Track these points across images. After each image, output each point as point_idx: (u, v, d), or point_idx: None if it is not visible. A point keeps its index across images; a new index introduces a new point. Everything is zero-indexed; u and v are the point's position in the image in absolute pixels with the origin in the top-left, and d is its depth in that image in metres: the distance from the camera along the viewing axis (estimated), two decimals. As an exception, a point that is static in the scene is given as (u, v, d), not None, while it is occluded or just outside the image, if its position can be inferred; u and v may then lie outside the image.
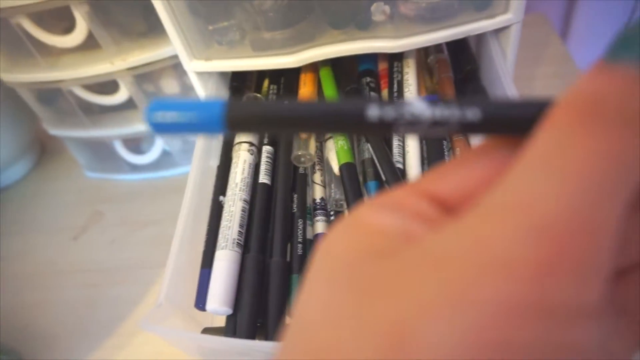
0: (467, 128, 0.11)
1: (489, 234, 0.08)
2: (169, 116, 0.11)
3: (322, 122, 0.11)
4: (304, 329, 0.10)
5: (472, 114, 0.10)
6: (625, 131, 0.08)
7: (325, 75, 0.35)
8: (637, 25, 0.09)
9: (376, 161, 0.30)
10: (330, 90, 0.34)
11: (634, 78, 0.08)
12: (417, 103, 0.10)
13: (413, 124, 0.11)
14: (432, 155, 0.30)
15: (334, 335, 0.09)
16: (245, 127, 0.11)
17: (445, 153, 0.30)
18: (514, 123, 0.10)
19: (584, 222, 0.07)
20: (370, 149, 0.31)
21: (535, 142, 0.08)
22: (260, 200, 0.31)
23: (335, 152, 0.32)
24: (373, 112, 0.11)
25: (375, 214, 0.11)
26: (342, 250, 0.10)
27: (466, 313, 0.07)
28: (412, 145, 0.31)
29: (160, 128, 0.11)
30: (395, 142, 0.31)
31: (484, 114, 0.10)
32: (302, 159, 0.33)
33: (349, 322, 0.09)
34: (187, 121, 0.11)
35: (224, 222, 0.29)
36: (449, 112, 0.10)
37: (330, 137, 0.33)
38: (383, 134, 0.15)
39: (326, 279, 0.10)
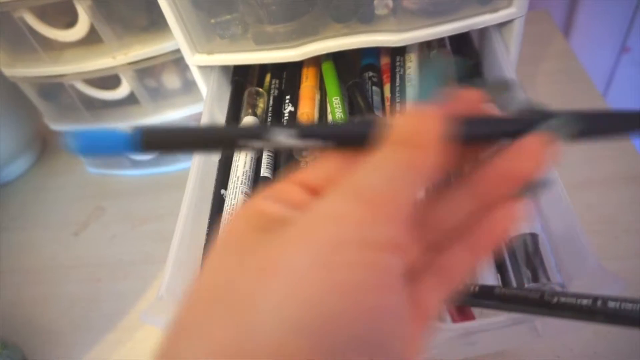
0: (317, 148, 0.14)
1: (334, 204, 0.12)
2: (91, 140, 0.14)
3: (212, 145, 0.15)
4: (199, 287, 0.13)
5: (313, 142, 0.14)
6: (414, 151, 0.13)
7: (328, 69, 0.35)
8: (428, 74, 0.13)
9: None
10: (332, 85, 0.34)
11: (423, 117, 0.13)
12: (278, 133, 0.14)
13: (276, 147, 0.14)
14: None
15: (222, 287, 0.12)
16: (156, 148, 0.14)
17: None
18: (350, 141, 0.14)
19: (386, 196, 0.12)
20: None
21: (371, 154, 0.13)
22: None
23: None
24: (243, 142, 0.14)
25: (262, 202, 0.14)
26: (235, 227, 0.14)
27: (317, 244, 0.11)
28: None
29: (85, 150, 0.14)
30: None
31: (323, 140, 0.14)
32: (304, 152, 0.33)
33: (234, 274, 0.12)
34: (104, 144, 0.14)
35: (225, 216, 0.29)
36: (295, 142, 0.14)
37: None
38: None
39: (220, 248, 0.13)
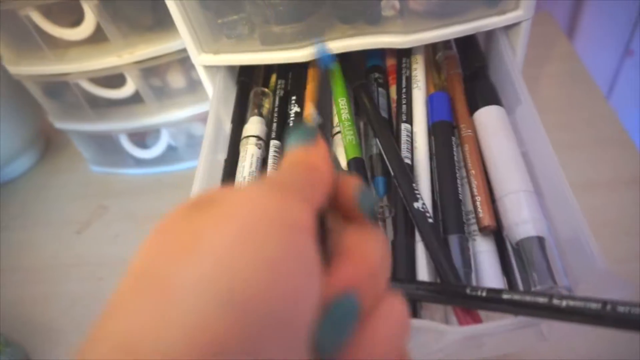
0: None
1: (254, 189, 0.13)
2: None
3: None
4: (129, 271, 0.12)
5: None
6: (312, 168, 0.15)
7: (334, 70, 0.35)
8: (297, 127, 0.17)
9: (385, 156, 0.30)
10: (338, 86, 0.34)
11: (312, 147, 0.16)
12: None
13: None
14: (440, 151, 0.30)
15: (144, 268, 0.12)
16: None
17: (454, 149, 0.30)
18: None
19: (295, 188, 0.14)
20: (379, 144, 0.30)
21: (280, 166, 0.15)
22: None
23: (344, 147, 0.32)
24: None
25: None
26: (170, 214, 0.14)
27: (239, 222, 0.12)
28: (421, 141, 0.31)
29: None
30: (404, 138, 0.31)
31: None
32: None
33: (155, 254, 0.12)
34: None
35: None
36: None
37: (338, 132, 0.33)
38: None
39: (153, 232, 0.13)
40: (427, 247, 0.26)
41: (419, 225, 0.26)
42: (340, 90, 0.34)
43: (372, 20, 0.32)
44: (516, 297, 0.21)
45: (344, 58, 0.35)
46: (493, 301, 0.21)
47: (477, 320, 0.24)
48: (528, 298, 0.20)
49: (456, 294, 0.23)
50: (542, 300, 0.20)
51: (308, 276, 0.12)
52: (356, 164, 0.31)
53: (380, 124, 0.31)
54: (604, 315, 0.18)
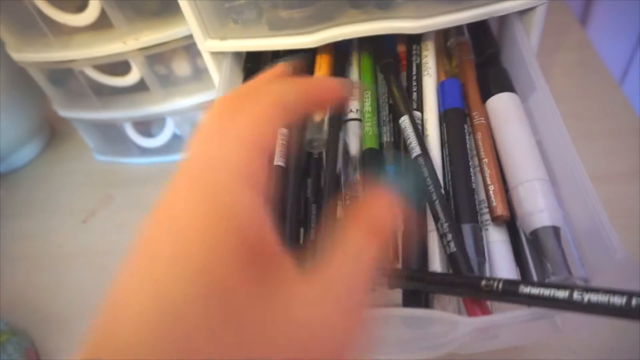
0: None
1: (322, 307, 0.14)
2: None
3: None
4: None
5: None
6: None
7: (366, 63, 0.35)
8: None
9: (414, 134, 0.28)
10: (368, 76, 0.34)
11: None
12: None
13: None
14: (452, 139, 0.29)
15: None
16: None
17: (467, 137, 0.29)
18: None
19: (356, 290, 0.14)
20: (409, 120, 0.29)
21: (345, 243, 0.16)
22: (275, 183, 0.30)
23: (362, 135, 0.31)
24: None
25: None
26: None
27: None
28: (432, 129, 0.30)
29: None
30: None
31: None
32: (315, 144, 0.32)
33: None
34: None
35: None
36: None
37: (353, 119, 0.32)
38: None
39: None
40: (454, 236, 0.24)
41: (444, 212, 0.25)
42: (369, 82, 0.34)
43: (383, 4, 0.31)
44: (534, 291, 0.20)
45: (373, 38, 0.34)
46: (510, 294, 0.21)
47: (485, 311, 0.23)
48: (547, 292, 0.19)
49: (471, 287, 0.22)
50: (562, 295, 0.19)
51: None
52: (371, 154, 0.30)
53: (407, 101, 0.31)
54: (629, 310, 0.17)
